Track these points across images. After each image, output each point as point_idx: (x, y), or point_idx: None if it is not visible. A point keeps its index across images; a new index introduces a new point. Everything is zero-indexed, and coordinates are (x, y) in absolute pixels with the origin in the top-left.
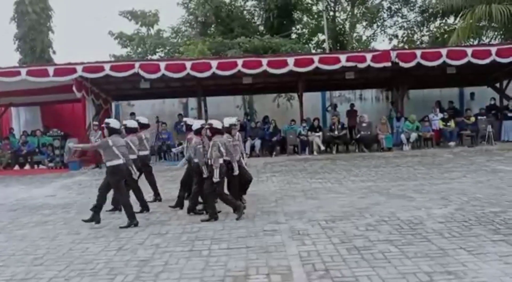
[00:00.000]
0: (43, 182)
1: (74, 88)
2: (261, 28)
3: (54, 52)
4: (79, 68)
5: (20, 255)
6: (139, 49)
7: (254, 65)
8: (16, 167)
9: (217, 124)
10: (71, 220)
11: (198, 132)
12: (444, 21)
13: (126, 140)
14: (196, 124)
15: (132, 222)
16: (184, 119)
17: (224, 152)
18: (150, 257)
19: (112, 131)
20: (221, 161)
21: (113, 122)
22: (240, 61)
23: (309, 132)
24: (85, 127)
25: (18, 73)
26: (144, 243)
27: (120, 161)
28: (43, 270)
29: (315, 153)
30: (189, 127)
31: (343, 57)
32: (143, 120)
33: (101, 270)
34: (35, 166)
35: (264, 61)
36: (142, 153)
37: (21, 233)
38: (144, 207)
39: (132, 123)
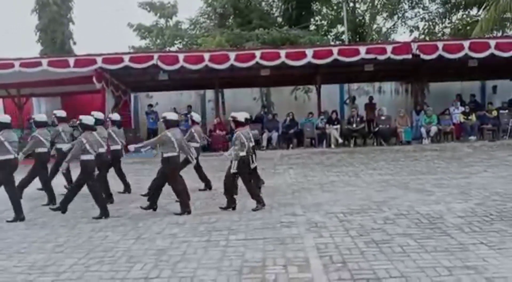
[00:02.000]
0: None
1: (94, 79)
2: (280, 19)
3: (74, 43)
4: (99, 59)
5: (41, 242)
6: (158, 41)
7: (272, 57)
8: None
9: (240, 116)
10: (90, 209)
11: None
12: (467, 12)
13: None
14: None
15: (185, 210)
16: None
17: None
18: (168, 246)
19: (170, 124)
20: (242, 153)
21: (195, 115)
22: (258, 53)
23: (327, 125)
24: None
25: (39, 64)
26: (162, 232)
27: (175, 153)
28: (64, 257)
29: (332, 146)
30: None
31: (362, 49)
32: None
33: (120, 258)
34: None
35: (282, 53)
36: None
37: (41, 221)
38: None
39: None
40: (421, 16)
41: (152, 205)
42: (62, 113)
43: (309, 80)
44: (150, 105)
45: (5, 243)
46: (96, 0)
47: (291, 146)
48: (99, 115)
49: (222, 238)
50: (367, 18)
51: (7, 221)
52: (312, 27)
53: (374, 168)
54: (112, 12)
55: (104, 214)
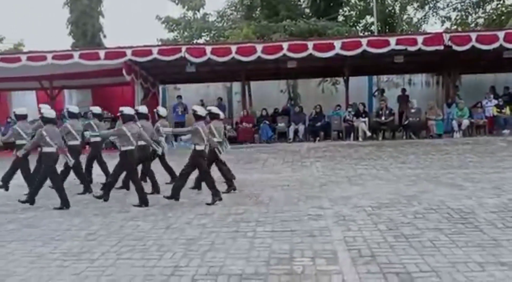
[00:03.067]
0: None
1: (123, 72)
2: (307, 10)
3: (104, 36)
4: (128, 52)
5: (75, 230)
6: (185, 33)
7: (299, 48)
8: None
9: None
10: (121, 199)
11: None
12: (501, 2)
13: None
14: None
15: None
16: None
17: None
18: (197, 236)
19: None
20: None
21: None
22: (285, 45)
23: (355, 118)
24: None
25: (71, 56)
26: (191, 222)
27: (202, 146)
28: (96, 245)
29: (360, 139)
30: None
31: (392, 40)
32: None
33: (151, 247)
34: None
35: (310, 44)
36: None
37: (75, 210)
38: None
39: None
40: (453, 6)
41: (175, 195)
42: (97, 109)
43: (336, 72)
44: (179, 97)
45: (41, 231)
46: None
47: (318, 138)
48: (144, 109)
49: (250, 229)
50: (397, 8)
51: (55, 208)
52: (340, 18)
53: (404, 162)
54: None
55: (143, 201)
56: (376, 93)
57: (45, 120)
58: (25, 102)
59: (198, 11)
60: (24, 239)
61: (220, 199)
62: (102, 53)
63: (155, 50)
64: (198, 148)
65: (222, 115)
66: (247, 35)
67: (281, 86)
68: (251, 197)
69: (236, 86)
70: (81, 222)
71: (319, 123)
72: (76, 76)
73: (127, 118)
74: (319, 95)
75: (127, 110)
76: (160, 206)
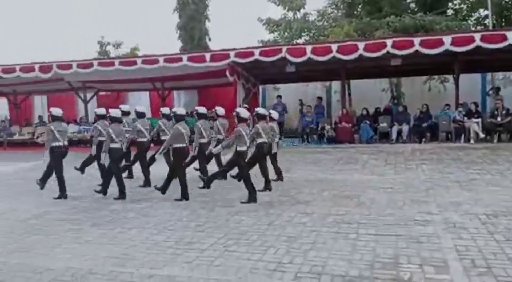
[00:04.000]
0: None
1: (227, 73)
2: (413, 5)
3: (209, 40)
4: (232, 54)
5: (185, 221)
6: (286, 34)
7: (404, 45)
8: None
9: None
10: (225, 194)
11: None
12: None
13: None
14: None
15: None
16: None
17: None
18: (298, 234)
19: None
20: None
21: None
22: (389, 42)
23: (466, 118)
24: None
25: (181, 59)
26: (292, 220)
27: (244, 148)
28: (205, 236)
29: (472, 141)
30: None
31: (510, 34)
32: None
33: (255, 242)
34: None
35: (416, 41)
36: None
37: (184, 203)
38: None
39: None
40: None
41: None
42: (203, 109)
43: (445, 69)
44: (279, 97)
45: (155, 220)
46: None
47: (423, 140)
48: (263, 110)
49: (352, 231)
50: None
51: (175, 200)
52: (449, 12)
53: None
54: (243, 8)
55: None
56: (490, 91)
57: (112, 119)
58: (140, 102)
59: (299, 11)
60: (142, 227)
61: (255, 202)
62: (208, 55)
63: (256, 52)
64: (240, 149)
65: (275, 115)
66: (348, 33)
67: (383, 85)
68: (351, 198)
69: (336, 85)
70: (190, 214)
71: (425, 124)
72: (184, 78)
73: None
74: (425, 94)
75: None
76: (262, 203)
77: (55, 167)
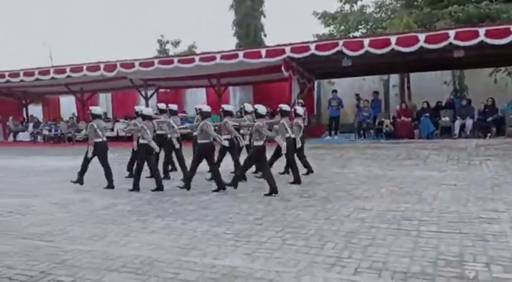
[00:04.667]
0: None
1: (282, 68)
2: None
3: (265, 35)
4: (287, 49)
5: (243, 214)
6: (342, 27)
7: (468, 36)
8: None
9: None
10: (281, 189)
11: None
12: None
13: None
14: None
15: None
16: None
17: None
18: (356, 230)
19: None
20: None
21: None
22: (452, 33)
23: None
24: (290, 105)
25: (237, 56)
26: (350, 216)
27: (261, 142)
28: (263, 229)
29: None
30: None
31: None
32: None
33: (313, 236)
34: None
35: (481, 31)
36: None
37: (242, 196)
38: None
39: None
40: None
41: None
42: (229, 107)
43: None
44: (335, 91)
45: (215, 212)
46: None
47: (488, 135)
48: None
49: (413, 228)
50: None
51: (212, 191)
52: None
53: None
54: (298, 3)
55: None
56: None
57: (144, 117)
58: (197, 99)
59: (355, 3)
60: (202, 219)
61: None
62: (263, 51)
63: (312, 46)
64: (257, 144)
65: (301, 111)
66: (408, 24)
67: (444, 78)
68: (412, 195)
69: (394, 78)
70: (248, 208)
71: (490, 118)
72: (239, 74)
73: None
74: (491, 86)
75: (205, 108)
76: (319, 198)
77: (101, 161)
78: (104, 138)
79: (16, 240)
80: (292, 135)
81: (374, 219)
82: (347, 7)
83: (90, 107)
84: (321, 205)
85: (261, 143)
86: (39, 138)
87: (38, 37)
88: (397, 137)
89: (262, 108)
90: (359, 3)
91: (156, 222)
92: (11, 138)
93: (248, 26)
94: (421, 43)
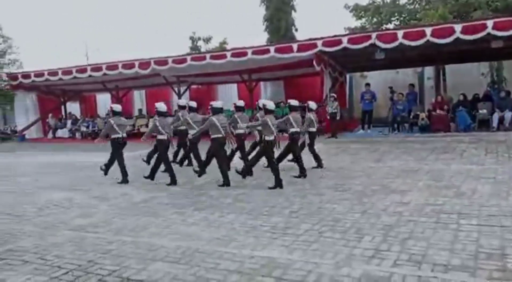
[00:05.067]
0: None
1: (314, 62)
2: None
3: (296, 30)
4: (319, 43)
5: (279, 207)
6: (374, 20)
7: (507, 26)
8: None
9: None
10: (316, 183)
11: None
12: None
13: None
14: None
15: (278, 184)
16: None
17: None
18: (394, 223)
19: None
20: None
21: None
22: (490, 23)
23: None
24: (322, 99)
25: (268, 51)
26: (387, 209)
27: (272, 137)
28: (299, 222)
29: None
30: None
31: None
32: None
33: (350, 229)
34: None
35: None
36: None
37: (277, 190)
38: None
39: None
40: None
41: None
42: (241, 103)
43: None
44: (367, 85)
45: (251, 206)
46: None
47: None
48: (295, 102)
49: (452, 221)
50: None
51: (219, 186)
52: None
53: None
54: None
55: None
56: None
57: (159, 113)
58: (229, 95)
59: None
60: (239, 212)
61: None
62: (295, 46)
63: (345, 39)
64: (267, 138)
65: (313, 106)
66: (443, 15)
67: (481, 69)
68: (450, 188)
69: (428, 70)
70: (284, 201)
71: None
72: (270, 69)
73: (217, 111)
74: None
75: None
76: (354, 192)
77: (116, 155)
78: (166, 136)
79: (63, 231)
80: (297, 129)
81: (412, 212)
82: None
83: (156, 105)
84: (357, 199)
85: (271, 137)
86: (77, 134)
87: (75, 37)
88: (433, 131)
89: (271, 104)
90: None
91: (194, 215)
92: (50, 135)
93: (279, 21)
94: (457, 34)
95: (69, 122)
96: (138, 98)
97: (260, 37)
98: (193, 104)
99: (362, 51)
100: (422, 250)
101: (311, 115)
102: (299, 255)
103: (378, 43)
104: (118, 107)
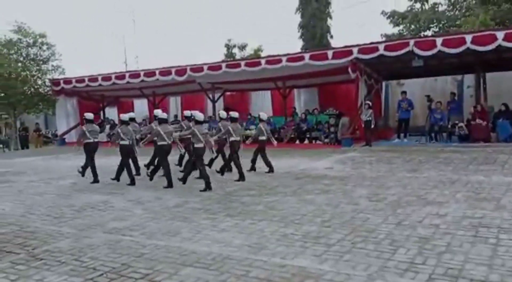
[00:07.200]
0: (320, 156)
1: (349, 70)
2: None
3: (331, 37)
4: (355, 50)
5: (310, 216)
6: (412, 27)
7: None
8: (297, 141)
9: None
10: (349, 192)
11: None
12: None
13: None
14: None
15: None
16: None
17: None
18: (430, 236)
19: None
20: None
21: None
22: None
23: None
24: (357, 107)
25: (303, 58)
26: (422, 221)
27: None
28: (331, 231)
29: None
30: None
31: None
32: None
33: (383, 241)
34: (313, 141)
35: None
36: None
37: (309, 198)
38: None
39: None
40: None
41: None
42: (234, 114)
43: None
44: (404, 93)
45: (282, 213)
46: None
47: None
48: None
49: (491, 236)
50: None
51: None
52: None
53: None
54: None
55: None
56: None
57: (160, 120)
58: (262, 101)
59: (427, 1)
60: (270, 219)
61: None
62: (330, 53)
63: (381, 47)
64: (197, 146)
65: (264, 117)
66: (484, 22)
67: None
68: (490, 201)
69: (468, 78)
70: (315, 209)
71: None
72: (304, 76)
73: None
74: None
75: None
76: (389, 202)
77: (162, 162)
78: (202, 144)
79: (98, 233)
80: (236, 138)
81: (449, 225)
82: (417, 5)
83: (193, 113)
84: (391, 209)
85: (200, 145)
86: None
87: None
88: (472, 141)
89: (199, 116)
90: (430, 1)
91: (226, 221)
92: None
93: (314, 28)
94: (499, 41)
95: (107, 127)
96: (174, 105)
97: (295, 45)
98: (164, 115)
99: (399, 59)
100: (459, 264)
101: (261, 125)
102: (330, 265)
103: (416, 51)
104: (200, 116)
